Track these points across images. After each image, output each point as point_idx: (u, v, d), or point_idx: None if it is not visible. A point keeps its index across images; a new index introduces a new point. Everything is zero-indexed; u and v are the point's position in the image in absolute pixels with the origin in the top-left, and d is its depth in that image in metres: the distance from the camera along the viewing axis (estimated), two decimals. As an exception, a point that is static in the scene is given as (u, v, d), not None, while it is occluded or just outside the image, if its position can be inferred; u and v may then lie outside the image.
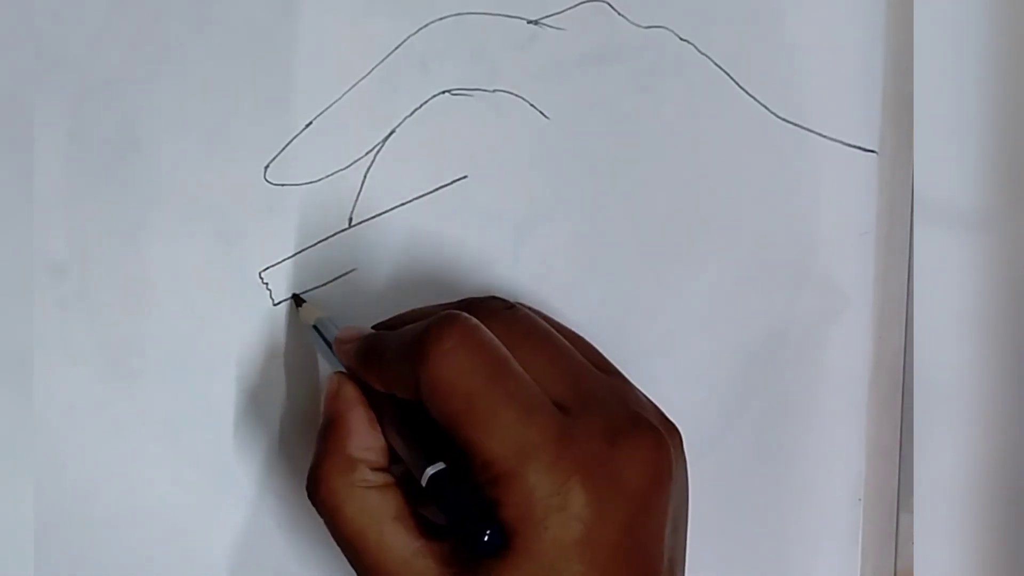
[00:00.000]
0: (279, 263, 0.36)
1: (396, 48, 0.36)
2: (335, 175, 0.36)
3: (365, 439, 0.31)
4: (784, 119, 0.38)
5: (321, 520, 0.30)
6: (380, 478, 0.30)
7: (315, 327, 0.34)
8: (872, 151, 0.38)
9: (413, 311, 0.33)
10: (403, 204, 0.36)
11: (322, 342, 0.34)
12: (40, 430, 0.35)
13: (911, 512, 0.38)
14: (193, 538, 0.36)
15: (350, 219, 0.36)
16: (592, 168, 0.37)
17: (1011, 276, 0.35)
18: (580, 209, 0.37)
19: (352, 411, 0.31)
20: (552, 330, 0.31)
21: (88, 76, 0.35)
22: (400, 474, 0.31)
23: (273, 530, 0.36)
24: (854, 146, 0.38)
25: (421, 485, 0.29)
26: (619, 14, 0.37)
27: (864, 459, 0.38)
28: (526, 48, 0.37)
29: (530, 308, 0.32)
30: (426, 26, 0.36)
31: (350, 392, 0.31)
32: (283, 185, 0.36)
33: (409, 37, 0.36)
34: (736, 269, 0.38)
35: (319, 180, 0.36)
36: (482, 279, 0.37)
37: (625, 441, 0.29)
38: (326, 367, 0.34)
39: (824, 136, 0.38)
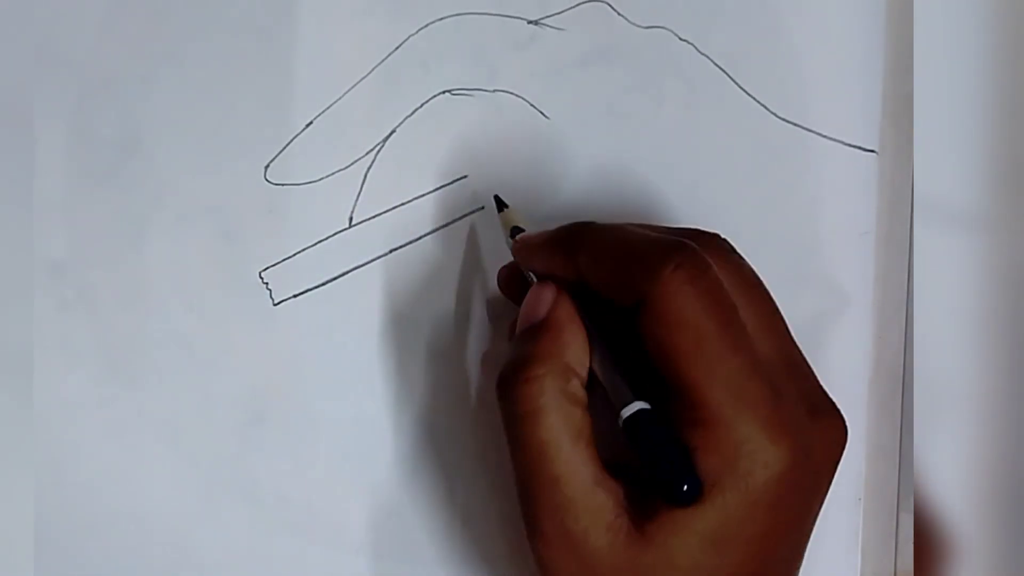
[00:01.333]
0: (279, 263, 0.36)
1: (396, 48, 0.36)
2: (335, 175, 0.36)
3: (582, 355, 0.29)
4: (784, 119, 0.38)
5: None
6: (585, 396, 0.29)
7: (513, 232, 0.33)
8: (872, 151, 0.38)
9: (608, 225, 0.31)
10: (403, 204, 0.36)
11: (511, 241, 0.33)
12: (40, 430, 0.35)
13: (911, 512, 0.38)
14: (193, 538, 0.36)
15: (350, 219, 0.36)
16: (592, 168, 0.37)
17: (1011, 276, 0.35)
18: (580, 209, 0.37)
19: (573, 322, 0.30)
20: (765, 287, 0.31)
21: (88, 76, 0.35)
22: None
23: (273, 530, 0.36)
24: (854, 146, 0.38)
25: (618, 422, 0.28)
26: (619, 14, 0.37)
27: (864, 459, 0.38)
28: (526, 48, 0.37)
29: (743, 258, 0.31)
30: (426, 26, 0.36)
31: (569, 304, 0.30)
32: (283, 185, 0.36)
33: (409, 37, 0.36)
34: (736, 269, 0.37)
35: (319, 180, 0.36)
36: (483, 279, 0.37)
37: (823, 419, 0.29)
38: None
39: (824, 136, 0.38)
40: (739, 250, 0.31)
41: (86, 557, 0.36)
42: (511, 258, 0.33)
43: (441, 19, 0.36)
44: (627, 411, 0.28)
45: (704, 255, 0.28)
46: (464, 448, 0.36)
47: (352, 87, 0.36)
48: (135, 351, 0.36)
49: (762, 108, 0.37)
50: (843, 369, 0.38)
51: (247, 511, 0.36)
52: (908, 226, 0.38)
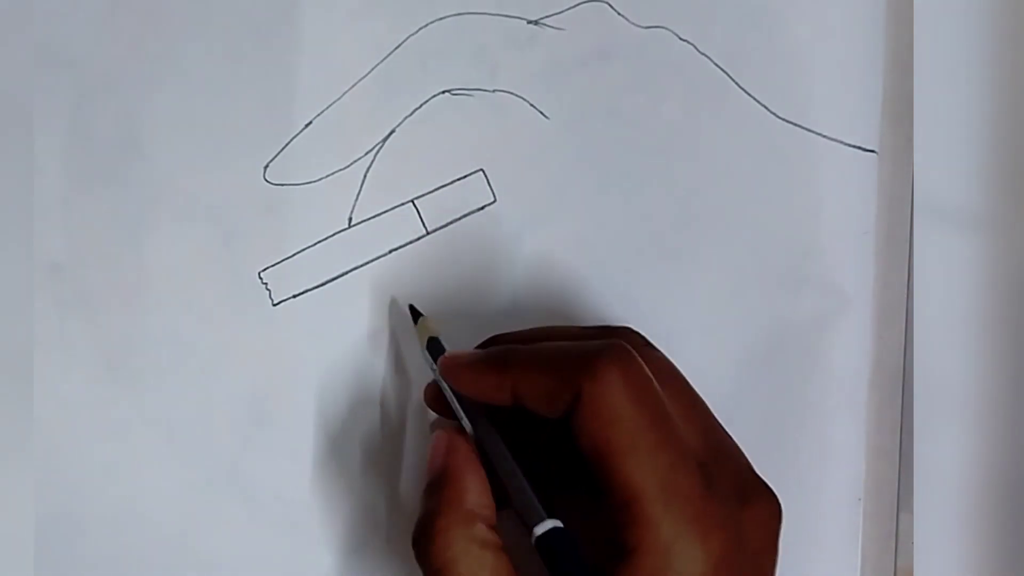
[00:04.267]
0: (279, 263, 0.36)
1: (396, 48, 0.36)
2: (335, 175, 0.36)
3: (482, 497, 0.30)
4: (784, 119, 0.38)
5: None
6: (494, 537, 0.30)
7: (429, 344, 0.34)
8: (872, 151, 0.38)
9: (534, 330, 0.33)
10: (403, 204, 0.36)
11: (431, 359, 0.33)
12: (40, 430, 0.35)
13: (911, 512, 0.38)
14: (193, 538, 0.36)
15: (350, 219, 0.36)
16: (592, 168, 0.37)
17: (1011, 276, 0.35)
18: (580, 209, 0.37)
19: (469, 465, 0.31)
20: (682, 375, 0.31)
21: (88, 76, 0.35)
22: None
23: (273, 530, 0.36)
24: (854, 146, 0.38)
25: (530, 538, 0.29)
26: (619, 14, 0.37)
27: (864, 459, 0.38)
28: (526, 48, 0.37)
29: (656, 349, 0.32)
30: (426, 26, 0.36)
31: (464, 447, 0.31)
32: (283, 185, 0.36)
33: (409, 37, 0.36)
34: (736, 269, 0.38)
35: (319, 180, 0.36)
36: (482, 279, 0.37)
37: (753, 505, 0.29)
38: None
39: (824, 136, 0.38)
40: (655, 345, 0.32)
41: (86, 557, 0.36)
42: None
43: (441, 19, 0.36)
44: (539, 529, 0.28)
45: (635, 354, 0.29)
46: (464, 448, 0.36)
47: (352, 87, 0.36)
48: (135, 351, 0.36)
49: (762, 108, 0.37)
50: (843, 369, 0.38)
51: (247, 511, 0.36)
52: (908, 226, 0.38)
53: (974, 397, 0.35)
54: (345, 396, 0.36)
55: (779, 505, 0.30)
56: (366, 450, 0.36)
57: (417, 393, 0.36)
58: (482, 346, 0.34)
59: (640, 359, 0.29)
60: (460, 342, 0.35)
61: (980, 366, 0.35)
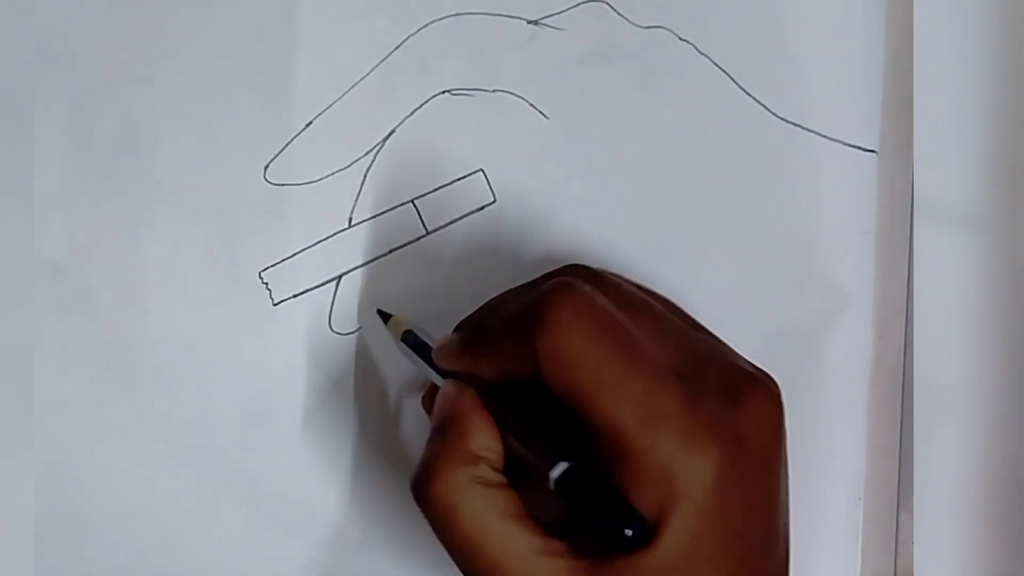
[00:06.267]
0: (279, 263, 0.36)
1: (396, 48, 0.36)
2: (335, 175, 0.36)
3: (487, 439, 0.29)
4: (784, 119, 0.38)
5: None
6: (499, 477, 0.29)
7: (404, 337, 0.34)
8: (872, 151, 0.38)
9: (493, 299, 0.33)
10: (403, 204, 0.36)
11: (411, 351, 0.33)
12: (40, 430, 0.35)
13: (911, 512, 0.38)
14: (193, 538, 0.36)
15: (350, 219, 0.36)
16: (592, 168, 0.37)
17: (1011, 276, 0.35)
18: (580, 209, 0.37)
19: (474, 411, 0.29)
20: (643, 294, 0.30)
21: (88, 76, 0.35)
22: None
23: (272, 530, 0.36)
24: (854, 146, 0.38)
25: (548, 485, 0.27)
26: (619, 14, 0.37)
27: (864, 459, 0.38)
28: (526, 48, 0.37)
29: (611, 273, 0.31)
30: (426, 26, 0.36)
31: (471, 395, 0.30)
32: (283, 185, 0.36)
33: (409, 37, 0.36)
34: (736, 269, 0.38)
35: (319, 180, 0.36)
36: (482, 279, 0.37)
37: (746, 401, 0.28)
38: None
39: (824, 136, 0.38)
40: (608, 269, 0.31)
41: (86, 557, 0.36)
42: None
43: (441, 19, 0.36)
44: (555, 472, 0.27)
45: (583, 285, 0.28)
46: (464, 448, 0.36)
47: (352, 87, 0.36)
48: (135, 351, 0.36)
49: (762, 108, 0.37)
50: (843, 369, 0.38)
51: (246, 511, 0.36)
52: (908, 226, 0.38)
53: (974, 397, 0.35)
54: (345, 396, 0.36)
55: (775, 392, 0.29)
56: (366, 450, 0.36)
57: (419, 395, 0.36)
58: (456, 331, 0.33)
59: (588, 292, 0.28)
60: (460, 342, 0.35)
61: (980, 366, 0.35)
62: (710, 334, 0.31)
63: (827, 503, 0.38)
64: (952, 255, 0.35)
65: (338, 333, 0.36)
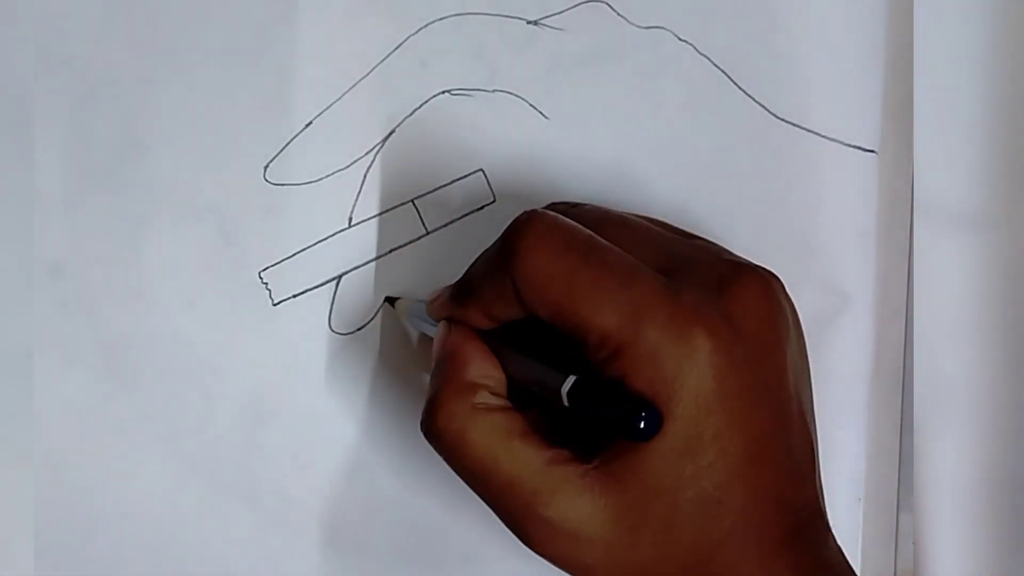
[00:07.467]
0: (279, 263, 0.36)
1: (396, 48, 0.36)
2: (335, 175, 0.36)
3: (483, 367, 0.30)
4: (784, 119, 0.38)
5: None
6: (501, 401, 0.29)
7: (412, 309, 0.34)
8: (872, 151, 0.38)
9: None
10: (403, 204, 0.36)
11: (420, 321, 0.34)
12: (40, 430, 0.35)
13: (911, 512, 0.38)
14: (193, 538, 0.36)
15: (350, 219, 0.36)
16: (592, 168, 0.37)
17: (1011, 276, 0.35)
18: (580, 209, 0.37)
19: (467, 343, 0.30)
20: (624, 212, 0.31)
21: (88, 76, 0.35)
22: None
23: (272, 530, 0.36)
24: (854, 146, 0.38)
25: (561, 403, 0.28)
26: (618, 14, 0.37)
27: (864, 459, 0.38)
28: (526, 48, 0.37)
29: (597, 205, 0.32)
30: (426, 26, 0.36)
31: (462, 329, 0.30)
32: (283, 185, 0.36)
33: (409, 37, 0.36)
34: (736, 269, 0.37)
35: (319, 180, 0.36)
36: (482, 279, 0.37)
37: (733, 287, 0.28)
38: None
39: (824, 136, 0.38)
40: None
41: (86, 557, 0.36)
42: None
43: (441, 19, 0.36)
44: (565, 387, 0.28)
45: (547, 211, 0.29)
46: (464, 448, 0.36)
47: (352, 87, 0.36)
48: (135, 351, 0.36)
49: (762, 108, 0.37)
50: (843, 369, 0.38)
51: (247, 511, 0.36)
52: (908, 226, 0.38)
53: (974, 397, 0.35)
54: (345, 396, 0.36)
55: (767, 279, 0.29)
56: (366, 449, 0.36)
57: (418, 395, 0.36)
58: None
59: (552, 216, 0.28)
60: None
61: (980, 366, 0.35)
62: (709, 241, 0.31)
63: (827, 503, 0.38)
64: (952, 255, 0.36)
65: (338, 333, 0.36)
